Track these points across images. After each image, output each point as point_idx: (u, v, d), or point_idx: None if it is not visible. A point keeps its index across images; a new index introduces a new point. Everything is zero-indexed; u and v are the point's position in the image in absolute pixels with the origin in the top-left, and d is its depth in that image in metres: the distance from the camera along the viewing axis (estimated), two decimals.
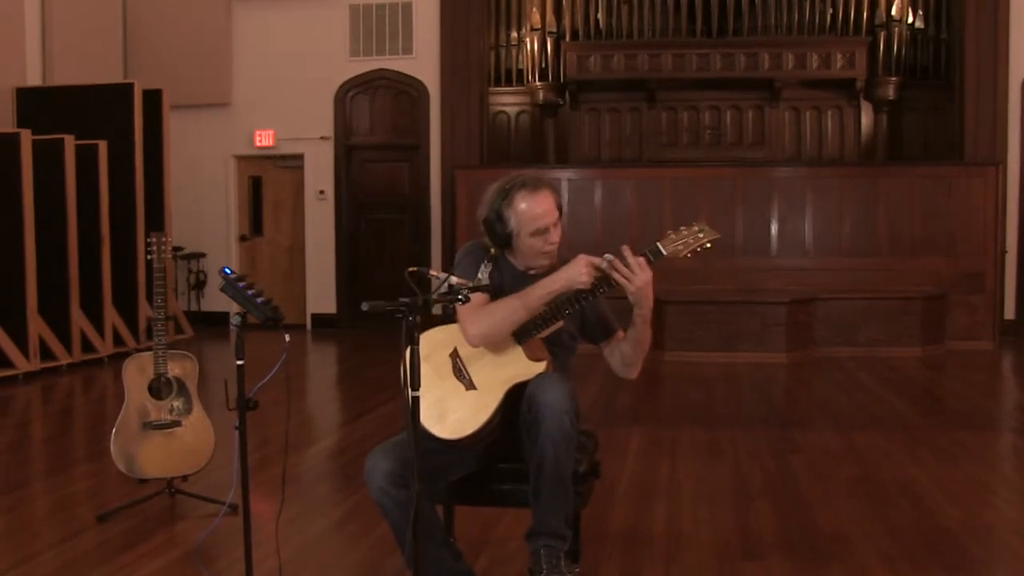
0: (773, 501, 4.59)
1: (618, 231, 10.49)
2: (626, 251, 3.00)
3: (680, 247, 3.03)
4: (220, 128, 12.11)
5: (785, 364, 9.14)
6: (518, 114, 12.49)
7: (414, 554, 2.65)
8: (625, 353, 3.23)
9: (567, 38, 11.92)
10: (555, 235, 3.18)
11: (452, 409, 3.03)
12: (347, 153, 12.04)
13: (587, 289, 3.02)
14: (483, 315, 3.04)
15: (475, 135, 11.72)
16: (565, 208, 3.25)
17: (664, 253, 3.03)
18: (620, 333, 3.29)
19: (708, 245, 3.06)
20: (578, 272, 3.01)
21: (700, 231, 3.06)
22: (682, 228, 3.07)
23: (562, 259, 3.23)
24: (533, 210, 3.12)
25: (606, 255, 3.03)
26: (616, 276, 2.99)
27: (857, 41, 11.43)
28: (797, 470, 5.17)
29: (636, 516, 4.37)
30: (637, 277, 2.98)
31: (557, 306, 3.04)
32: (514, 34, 12.22)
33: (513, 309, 3.03)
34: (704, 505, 4.53)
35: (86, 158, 9.22)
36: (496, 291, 3.13)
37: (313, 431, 6.55)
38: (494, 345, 3.07)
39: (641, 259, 2.99)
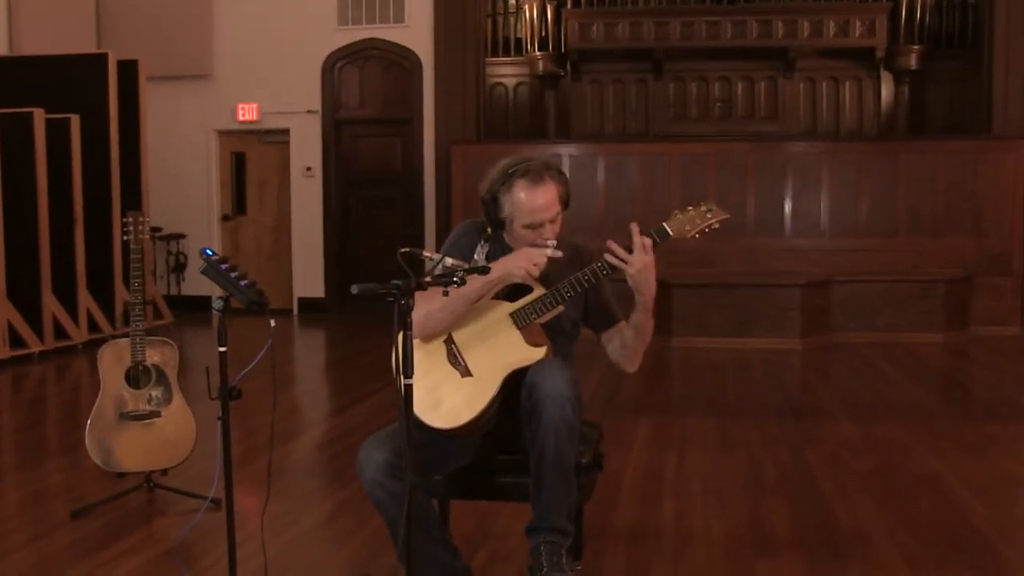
0: (787, 496, 4.59)
1: (622, 210, 10.48)
2: (634, 229, 2.99)
3: (687, 227, 3.03)
4: (201, 101, 12.06)
5: (799, 350, 9.14)
6: (516, 86, 12.44)
7: (407, 550, 2.65)
8: (625, 341, 3.22)
9: (568, 5, 11.88)
10: (550, 231, 3.11)
11: (446, 397, 3.02)
12: (336, 128, 12.00)
13: (589, 271, 3.01)
14: (422, 304, 2.98)
15: (471, 108, 11.69)
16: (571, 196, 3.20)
17: (670, 234, 3.03)
18: (622, 323, 3.27)
19: (716, 225, 3.06)
20: (515, 265, 3.00)
21: (708, 211, 3.06)
22: (689, 207, 3.07)
23: (568, 243, 3.21)
24: (531, 202, 3.09)
25: (549, 240, 3.04)
26: (612, 260, 2.98)
27: (877, 7, 11.38)
28: (813, 463, 5.18)
29: (642, 511, 4.37)
30: (636, 259, 2.98)
31: (558, 289, 3.03)
32: (512, 1, 12.17)
33: (448, 300, 2.99)
34: (714, 500, 4.54)
35: (57, 133, 9.18)
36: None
37: (300, 422, 6.55)
38: (491, 330, 3.07)
39: (647, 240, 2.98)
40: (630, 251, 2.99)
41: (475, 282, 2.98)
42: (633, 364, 3.26)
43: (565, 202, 3.17)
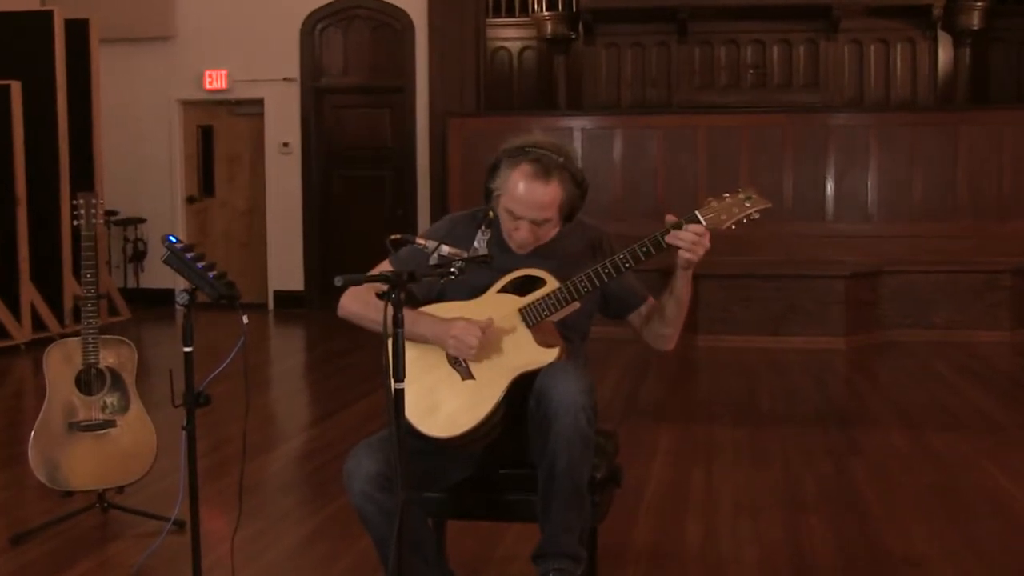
0: (830, 516, 4.59)
1: (642, 191, 10.48)
2: (671, 221, 3.00)
3: (723, 217, 3.02)
4: (162, 67, 12.06)
5: (843, 350, 9.14)
6: (522, 51, 12.44)
7: (398, 573, 2.65)
8: (664, 319, 3.23)
9: None
10: (526, 233, 3.12)
11: (444, 402, 3.03)
12: (316, 98, 12.00)
13: (610, 265, 3.01)
14: (359, 301, 3.20)
15: (470, 76, 11.68)
16: (581, 203, 3.20)
17: (703, 224, 3.01)
18: (651, 299, 3.30)
19: (756, 216, 3.05)
20: (449, 336, 3.01)
21: (747, 199, 3.04)
22: (725, 195, 3.06)
23: (579, 223, 3.22)
24: (526, 194, 3.08)
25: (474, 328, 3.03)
26: (681, 247, 2.98)
27: None
28: (859, 478, 5.18)
29: (664, 533, 4.37)
30: (701, 247, 2.99)
31: (574, 283, 3.02)
32: None
33: (374, 318, 3.05)
34: (746, 520, 4.54)
35: None
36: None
37: (276, 431, 6.57)
38: (496, 329, 3.06)
39: (700, 227, 2.99)
40: (663, 234, 2.99)
41: (416, 328, 3.02)
42: (671, 342, 3.29)
43: (567, 213, 3.17)
